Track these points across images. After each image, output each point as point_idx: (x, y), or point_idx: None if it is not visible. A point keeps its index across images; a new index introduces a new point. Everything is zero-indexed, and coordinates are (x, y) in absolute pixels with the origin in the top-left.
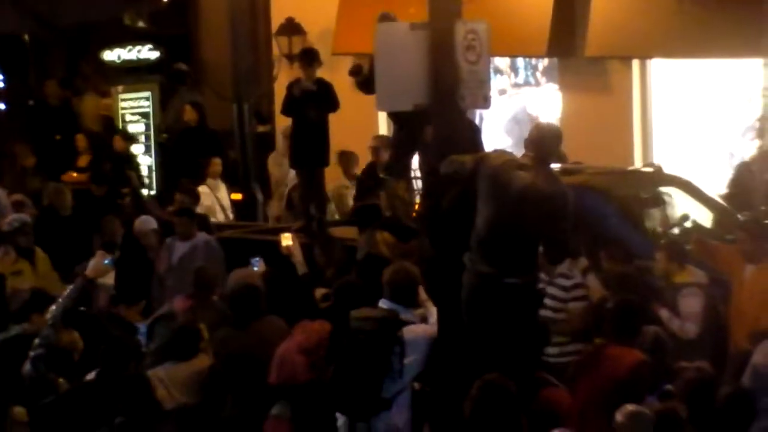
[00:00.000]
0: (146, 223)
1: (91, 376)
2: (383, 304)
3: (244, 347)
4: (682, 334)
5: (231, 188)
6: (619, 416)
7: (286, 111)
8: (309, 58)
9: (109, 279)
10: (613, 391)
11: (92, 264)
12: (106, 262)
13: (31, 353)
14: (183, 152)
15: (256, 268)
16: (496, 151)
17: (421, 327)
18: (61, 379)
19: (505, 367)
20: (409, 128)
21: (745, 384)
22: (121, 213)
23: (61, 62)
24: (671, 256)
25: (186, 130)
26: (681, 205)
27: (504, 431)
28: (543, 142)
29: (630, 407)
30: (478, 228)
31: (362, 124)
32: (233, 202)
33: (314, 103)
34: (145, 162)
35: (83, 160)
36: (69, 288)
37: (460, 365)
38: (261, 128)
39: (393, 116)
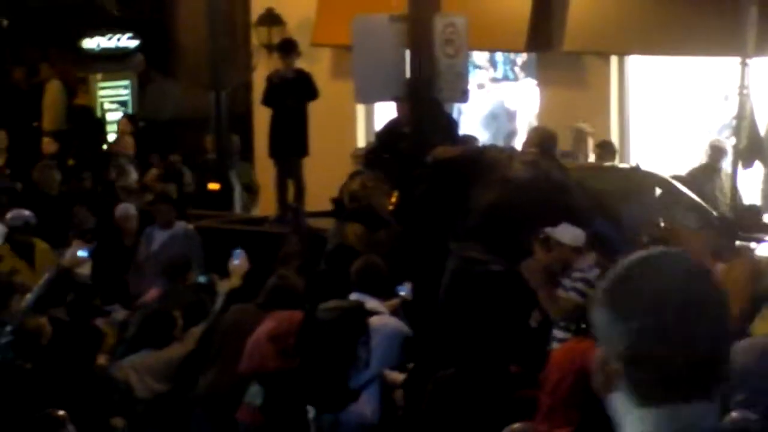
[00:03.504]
0: (127, 209)
1: None
2: (353, 295)
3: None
4: None
5: (204, 178)
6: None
7: (266, 101)
8: (287, 48)
9: (86, 269)
10: (581, 385)
11: (68, 254)
12: (82, 253)
13: (1, 340)
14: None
15: (236, 261)
16: (494, 145)
17: (391, 319)
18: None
19: (477, 356)
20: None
21: None
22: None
23: (35, 48)
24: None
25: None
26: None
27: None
28: (542, 141)
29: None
30: (470, 215)
31: (341, 116)
32: (210, 192)
33: (293, 92)
34: None
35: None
36: (45, 276)
37: (432, 355)
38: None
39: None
